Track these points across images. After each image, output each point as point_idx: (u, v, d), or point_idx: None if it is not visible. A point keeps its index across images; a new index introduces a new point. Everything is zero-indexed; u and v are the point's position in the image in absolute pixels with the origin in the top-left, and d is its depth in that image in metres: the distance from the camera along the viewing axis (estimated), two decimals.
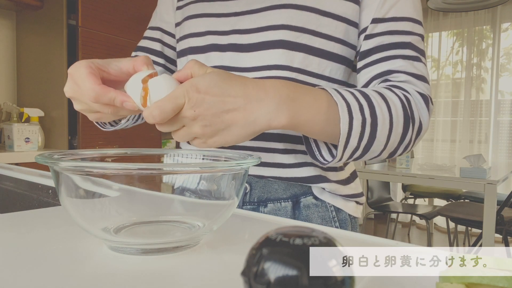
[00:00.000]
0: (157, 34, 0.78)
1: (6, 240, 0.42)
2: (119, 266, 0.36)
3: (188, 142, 0.49)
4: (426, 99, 0.58)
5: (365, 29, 0.60)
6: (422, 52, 0.60)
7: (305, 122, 0.49)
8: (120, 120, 0.70)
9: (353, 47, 0.63)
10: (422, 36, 0.61)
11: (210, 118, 0.44)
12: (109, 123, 0.70)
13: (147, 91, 0.45)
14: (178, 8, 0.73)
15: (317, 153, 0.58)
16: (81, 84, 0.46)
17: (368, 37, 0.60)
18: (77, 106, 0.51)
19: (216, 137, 0.46)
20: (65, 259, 0.37)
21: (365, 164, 2.82)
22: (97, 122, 0.70)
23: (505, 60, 3.70)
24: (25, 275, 0.33)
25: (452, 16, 3.86)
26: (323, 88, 0.52)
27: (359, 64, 0.62)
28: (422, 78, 0.58)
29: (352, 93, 0.52)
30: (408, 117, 0.55)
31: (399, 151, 0.57)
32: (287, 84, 0.48)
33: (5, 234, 0.44)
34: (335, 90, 0.52)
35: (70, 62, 2.13)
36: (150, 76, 0.46)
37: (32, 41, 2.28)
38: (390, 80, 0.58)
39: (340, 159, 0.54)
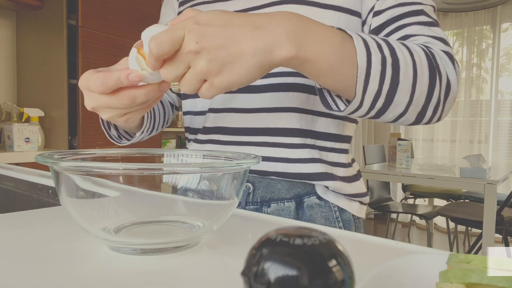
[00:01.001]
0: None
1: (6, 240, 0.42)
2: (119, 266, 0.36)
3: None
4: (452, 58, 0.53)
5: (372, 8, 0.58)
6: (436, 21, 0.57)
7: (316, 54, 0.43)
8: (135, 133, 0.71)
9: None
10: (434, 7, 0.58)
11: (216, 51, 0.40)
12: (122, 137, 0.71)
13: (141, 46, 0.43)
14: (180, 13, 0.74)
15: (330, 101, 0.52)
16: (89, 83, 0.45)
17: (377, 13, 0.57)
18: (103, 115, 0.48)
19: (223, 74, 0.41)
20: (65, 259, 0.37)
21: (365, 164, 2.82)
22: (110, 138, 0.70)
23: (505, 60, 3.70)
24: (25, 275, 0.33)
25: (452, 16, 3.85)
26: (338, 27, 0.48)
27: None
28: (442, 40, 0.54)
29: (368, 34, 0.48)
30: (434, 69, 0.49)
31: (429, 113, 0.51)
32: (296, 15, 0.44)
33: (5, 234, 0.44)
34: (352, 31, 0.47)
35: (70, 62, 2.13)
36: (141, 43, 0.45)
37: (32, 41, 2.28)
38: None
39: (360, 106, 0.47)
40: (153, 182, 0.38)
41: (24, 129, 1.99)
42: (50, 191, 0.78)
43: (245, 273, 0.22)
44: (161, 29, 0.41)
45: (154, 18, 2.48)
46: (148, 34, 0.42)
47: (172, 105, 0.82)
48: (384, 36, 0.56)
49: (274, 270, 0.20)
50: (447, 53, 0.53)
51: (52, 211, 0.56)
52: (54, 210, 0.57)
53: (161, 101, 0.76)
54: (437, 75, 0.49)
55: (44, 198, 0.79)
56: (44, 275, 0.33)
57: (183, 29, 0.40)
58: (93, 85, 0.44)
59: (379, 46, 0.46)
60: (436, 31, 0.55)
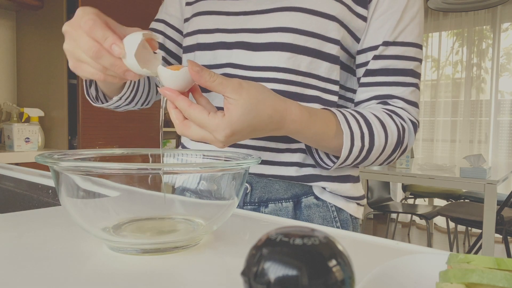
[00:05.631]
0: (160, 27, 0.79)
1: (6, 240, 0.42)
2: (119, 266, 0.36)
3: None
4: (415, 126, 0.66)
5: (375, 48, 0.64)
6: (419, 77, 0.67)
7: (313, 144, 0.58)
8: (111, 97, 0.70)
9: (348, 52, 0.66)
10: (421, 61, 0.67)
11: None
12: (99, 99, 0.70)
13: (149, 37, 0.46)
14: (188, 3, 0.74)
15: (316, 156, 0.65)
16: (83, 16, 0.44)
17: (377, 57, 0.64)
18: (65, 44, 0.48)
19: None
20: (65, 259, 0.37)
21: None
22: (87, 95, 0.70)
23: (505, 60, 3.70)
24: (25, 275, 0.33)
25: (452, 16, 3.85)
26: (334, 113, 0.58)
27: (363, 79, 0.66)
28: (415, 105, 0.66)
29: (357, 121, 0.59)
30: (399, 143, 0.63)
31: (383, 164, 0.67)
32: (302, 125, 0.53)
33: (5, 234, 0.44)
34: (344, 118, 0.58)
35: None
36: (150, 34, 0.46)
37: (32, 41, 2.28)
38: (389, 104, 0.65)
39: (329, 168, 0.63)
40: (153, 182, 0.38)
41: (24, 129, 1.98)
42: (50, 191, 0.78)
43: (245, 273, 0.22)
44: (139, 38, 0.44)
45: (154, 18, 2.47)
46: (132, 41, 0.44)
47: (158, 87, 0.81)
48: (374, 82, 0.65)
49: (274, 270, 0.20)
50: (414, 123, 0.65)
51: (52, 211, 0.56)
52: (54, 210, 0.57)
53: (148, 79, 0.76)
54: (399, 148, 0.63)
55: (44, 198, 0.79)
56: (44, 275, 0.33)
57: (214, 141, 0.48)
58: (83, 21, 0.44)
59: (362, 137, 0.58)
60: (414, 94, 0.65)
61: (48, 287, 0.31)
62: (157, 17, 0.81)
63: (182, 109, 0.46)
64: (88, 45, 0.44)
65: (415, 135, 0.66)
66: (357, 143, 0.58)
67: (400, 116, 0.64)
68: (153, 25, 0.80)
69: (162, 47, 0.78)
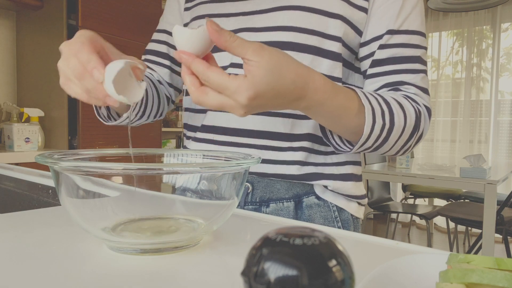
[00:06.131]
0: (163, 37, 0.79)
1: (6, 240, 0.42)
2: (119, 266, 0.36)
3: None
4: (429, 112, 0.64)
5: (378, 38, 0.63)
6: (426, 64, 0.66)
7: (329, 124, 0.56)
8: (122, 114, 0.70)
9: (350, 49, 0.65)
10: (426, 49, 0.67)
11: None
12: (112, 117, 0.70)
13: (133, 66, 0.48)
14: (186, 9, 0.75)
15: (332, 141, 0.63)
16: (76, 38, 0.47)
17: (382, 46, 0.63)
18: (59, 62, 0.50)
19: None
20: (65, 259, 0.37)
21: (365, 164, 2.82)
22: (99, 115, 0.70)
23: (505, 60, 3.70)
24: (25, 275, 0.33)
25: (452, 16, 3.85)
26: (356, 92, 0.56)
27: (371, 71, 0.65)
28: (426, 91, 0.65)
29: (379, 97, 0.57)
30: (417, 126, 0.61)
31: (399, 153, 0.64)
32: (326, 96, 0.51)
33: (5, 234, 0.44)
34: (364, 94, 0.56)
35: None
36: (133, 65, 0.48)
37: (32, 41, 2.28)
38: (401, 90, 0.63)
39: (355, 150, 0.60)
40: (153, 182, 0.38)
41: (24, 129, 1.98)
42: (50, 191, 0.78)
43: (245, 273, 0.22)
44: (120, 66, 0.45)
45: (154, 18, 2.47)
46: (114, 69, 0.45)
47: (168, 98, 0.82)
48: (382, 72, 0.64)
49: (274, 270, 0.20)
50: (428, 108, 0.64)
51: (52, 211, 0.56)
52: (54, 210, 0.57)
53: (157, 91, 0.76)
54: (416, 132, 0.62)
55: (44, 198, 0.79)
56: (44, 275, 0.33)
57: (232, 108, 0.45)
58: (73, 43, 0.47)
59: (383, 114, 0.56)
60: (424, 81, 0.65)
61: (48, 287, 0.31)
62: (158, 27, 0.82)
63: (199, 72, 0.43)
64: (74, 65, 0.47)
65: (429, 121, 0.65)
66: (379, 120, 0.56)
67: (415, 101, 0.62)
68: (155, 36, 0.81)
69: (166, 56, 0.79)
